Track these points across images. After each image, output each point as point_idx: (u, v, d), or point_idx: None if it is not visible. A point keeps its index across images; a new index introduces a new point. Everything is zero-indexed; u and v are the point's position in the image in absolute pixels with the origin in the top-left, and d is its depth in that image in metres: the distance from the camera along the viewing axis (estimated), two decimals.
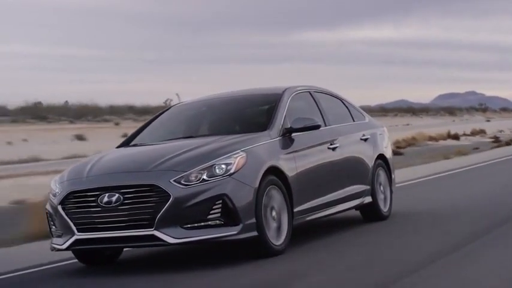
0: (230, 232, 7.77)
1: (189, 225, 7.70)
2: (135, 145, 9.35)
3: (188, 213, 7.68)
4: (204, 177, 7.80)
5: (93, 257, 8.67)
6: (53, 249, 8.30)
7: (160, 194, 7.68)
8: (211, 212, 7.74)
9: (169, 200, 7.64)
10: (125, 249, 8.93)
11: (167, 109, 10.26)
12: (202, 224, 7.73)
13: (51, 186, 8.40)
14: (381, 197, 10.71)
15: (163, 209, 7.63)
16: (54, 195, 8.22)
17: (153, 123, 9.93)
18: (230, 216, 7.78)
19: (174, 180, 7.73)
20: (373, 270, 7.24)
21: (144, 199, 7.72)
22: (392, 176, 11.26)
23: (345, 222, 10.63)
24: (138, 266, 8.62)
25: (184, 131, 9.56)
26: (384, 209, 10.73)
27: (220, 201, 7.74)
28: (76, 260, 8.69)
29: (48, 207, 8.37)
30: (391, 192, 11.09)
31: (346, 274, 7.18)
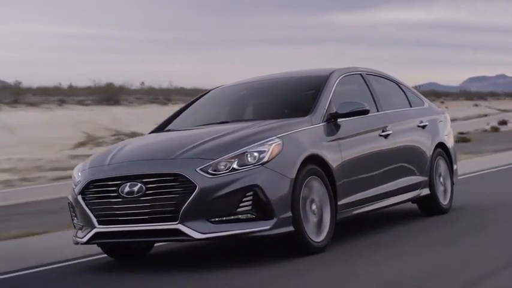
0: (262, 227, 7.02)
1: (216, 219, 6.98)
2: (168, 130, 8.69)
3: (216, 205, 6.96)
4: (234, 166, 7.06)
5: (121, 251, 8.06)
6: (76, 242, 7.68)
7: (185, 184, 6.97)
8: (242, 204, 6.99)
9: (195, 191, 6.92)
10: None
11: (206, 92, 9.58)
12: (232, 217, 7.00)
13: (73, 174, 7.80)
14: (440, 189, 9.87)
15: (188, 201, 6.92)
16: (76, 185, 7.60)
17: (191, 107, 9.27)
18: (262, 209, 7.02)
19: (201, 169, 7.01)
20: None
21: (167, 190, 7.02)
22: (454, 166, 10.39)
23: (402, 217, 9.82)
24: (169, 261, 7.96)
25: (220, 115, 8.87)
26: (444, 202, 9.91)
27: (251, 192, 6.99)
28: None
29: (69, 197, 7.76)
30: (452, 184, 10.24)
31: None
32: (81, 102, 42.91)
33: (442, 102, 76.96)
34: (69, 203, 7.78)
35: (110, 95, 44.48)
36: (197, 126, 8.51)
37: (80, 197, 7.44)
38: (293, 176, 7.23)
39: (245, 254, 7.89)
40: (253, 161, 7.10)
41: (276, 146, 7.26)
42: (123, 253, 8.08)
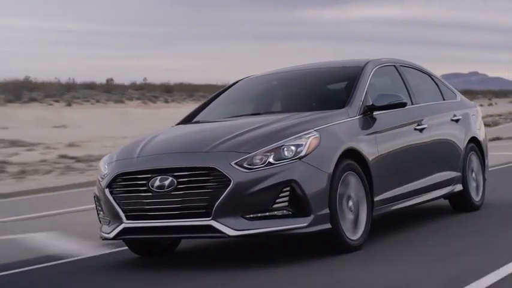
0: (299, 224, 6.71)
1: (251, 215, 6.66)
2: (197, 122, 8.38)
3: (251, 201, 6.64)
4: (270, 160, 6.74)
5: (147, 248, 7.75)
6: (102, 237, 7.38)
7: (219, 178, 6.65)
8: (278, 200, 6.67)
9: (230, 186, 6.60)
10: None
11: (235, 82, 9.26)
12: (267, 214, 6.67)
13: (100, 167, 7.48)
14: (472, 185, 9.58)
15: (222, 196, 6.61)
16: (102, 178, 7.29)
17: (219, 98, 8.96)
18: (299, 205, 6.71)
19: (236, 163, 6.69)
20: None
21: (200, 184, 6.69)
22: (486, 161, 10.09)
23: (433, 213, 9.52)
24: (196, 258, 7.67)
25: (251, 107, 8.57)
26: (476, 198, 9.62)
27: (288, 188, 6.68)
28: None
29: (96, 190, 7.45)
30: (484, 179, 9.94)
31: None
32: None
33: (490, 99, 77.17)
34: (95, 196, 7.47)
35: None
36: (227, 118, 8.20)
37: (107, 191, 7.13)
38: (330, 170, 6.92)
39: (271, 251, 7.61)
40: (290, 155, 6.79)
41: (314, 139, 6.95)
42: (149, 250, 7.77)
